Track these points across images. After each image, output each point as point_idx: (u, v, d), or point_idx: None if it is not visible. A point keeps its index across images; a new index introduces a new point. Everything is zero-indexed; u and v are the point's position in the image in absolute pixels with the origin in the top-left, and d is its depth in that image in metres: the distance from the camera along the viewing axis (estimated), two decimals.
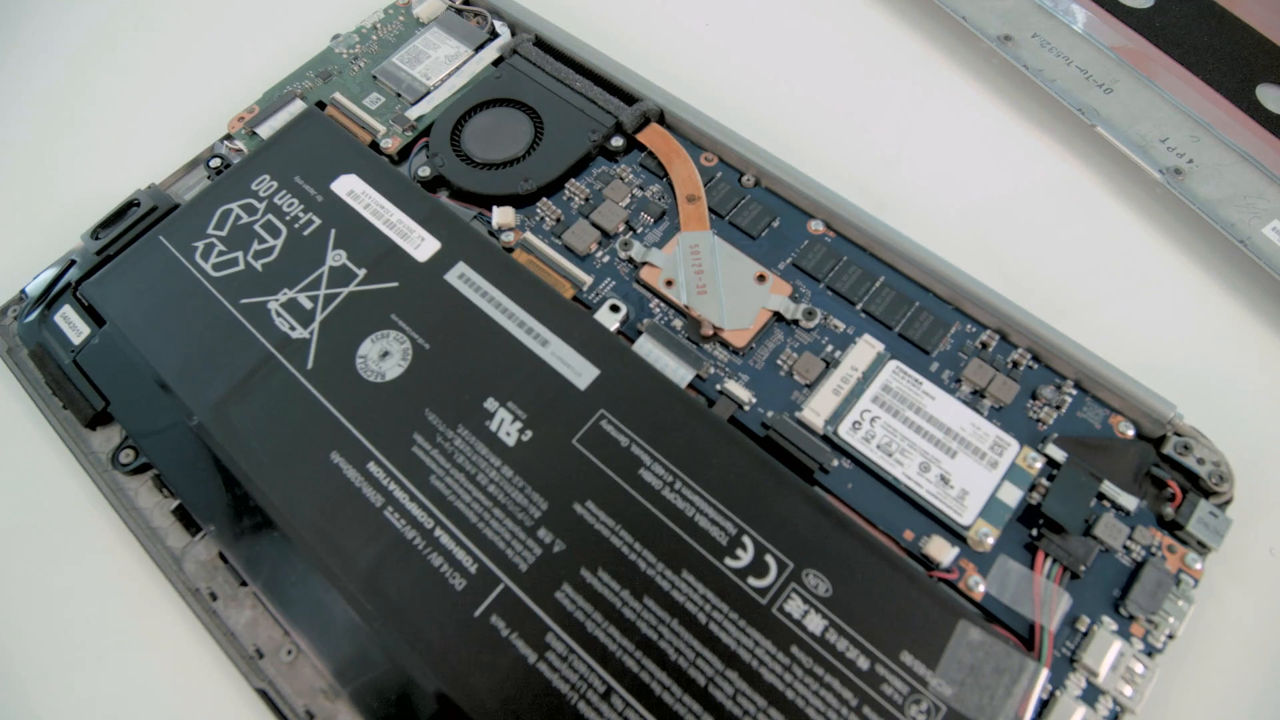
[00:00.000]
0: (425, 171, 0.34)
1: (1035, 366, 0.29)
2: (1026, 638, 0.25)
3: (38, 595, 0.30)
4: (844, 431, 0.28)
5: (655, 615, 0.24)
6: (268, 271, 0.31)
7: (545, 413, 0.27)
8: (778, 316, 0.30)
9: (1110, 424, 0.28)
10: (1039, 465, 0.27)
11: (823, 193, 0.33)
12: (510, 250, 0.32)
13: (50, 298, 0.33)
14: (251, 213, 0.32)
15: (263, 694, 0.26)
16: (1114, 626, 0.25)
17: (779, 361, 0.30)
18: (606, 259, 0.32)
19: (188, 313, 0.30)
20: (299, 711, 0.26)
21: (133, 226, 0.34)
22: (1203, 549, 0.26)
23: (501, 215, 0.33)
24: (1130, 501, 0.26)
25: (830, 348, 0.30)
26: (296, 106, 0.37)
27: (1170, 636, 0.25)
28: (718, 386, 0.29)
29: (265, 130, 0.36)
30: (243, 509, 0.28)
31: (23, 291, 0.34)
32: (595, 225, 0.33)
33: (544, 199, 0.33)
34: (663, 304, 0.31)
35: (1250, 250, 0.33)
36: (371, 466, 0.26)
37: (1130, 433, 0.28)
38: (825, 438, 0.28)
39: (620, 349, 0.28)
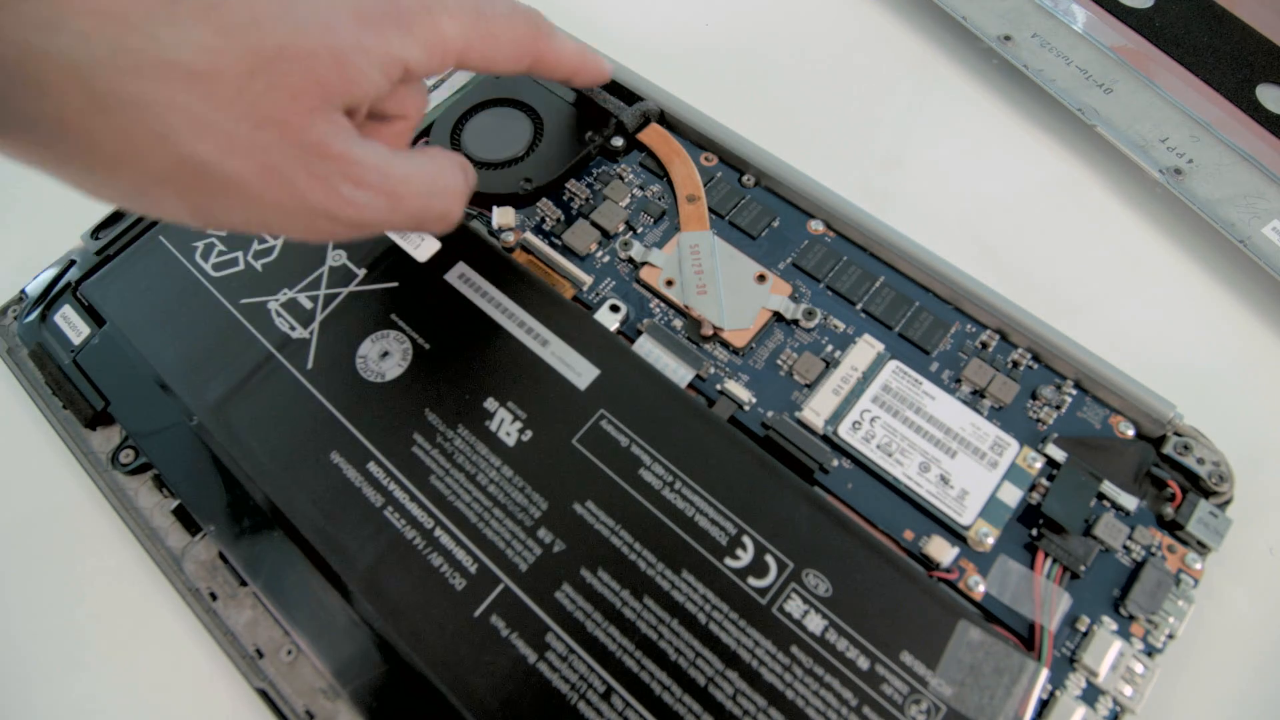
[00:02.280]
0: None
1: (1035, 366, 0.29)
2: (1026, 638, 0.25)
3: (38, 595, 0.30)
4: (844, 431, 0.28)
5: (655, 615, 0.24)
6: (267, 271, 0.31)
7: (545, 413, 0.27)
8: (778, 316, 0.30)
9: (1110, 424, 0.28)
10: (1039, 465, 0.27)
11: (823, 193, 0.33)
12: (510, 250, 0.32)
13: (50, 298, 0.33)
14: None
15: (263, 694, 0.26)
16: (1114, 626, 0.25)
17: (779, 361, 0.30)
18: (606, 259, 0.32)
19: (188, 312, 0.30)
20: (299, 711, 0.26)
21: (133, 226, 0.34)
22: (1203, 549, 0.26)
23: (501, 215, 0.33)
24: (1130, 501, 0.26)
25: (830, 348, 0.30)
26: None
27: (1170, 636, 0.25)
28: (718, 386, 0.29)
29: None
30: (243, 509, 0.28)
31: (23, 291, 0.34)
32: (595, 225, 0.33)
33: (544, 199, 0.33)
34: (663, 304, 0.31)
35: (1250, 250, 0.33)
36: (371, 466, 0.26)
37: (1130, 433, 0.28)
38: (825, 438, 0.28)
39: (620, 349, 0.28)
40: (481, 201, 0.33)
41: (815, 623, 0.23)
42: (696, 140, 0.35)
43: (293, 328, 0.29)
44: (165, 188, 0.18)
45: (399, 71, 0.20)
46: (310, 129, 0.18)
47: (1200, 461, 0.27)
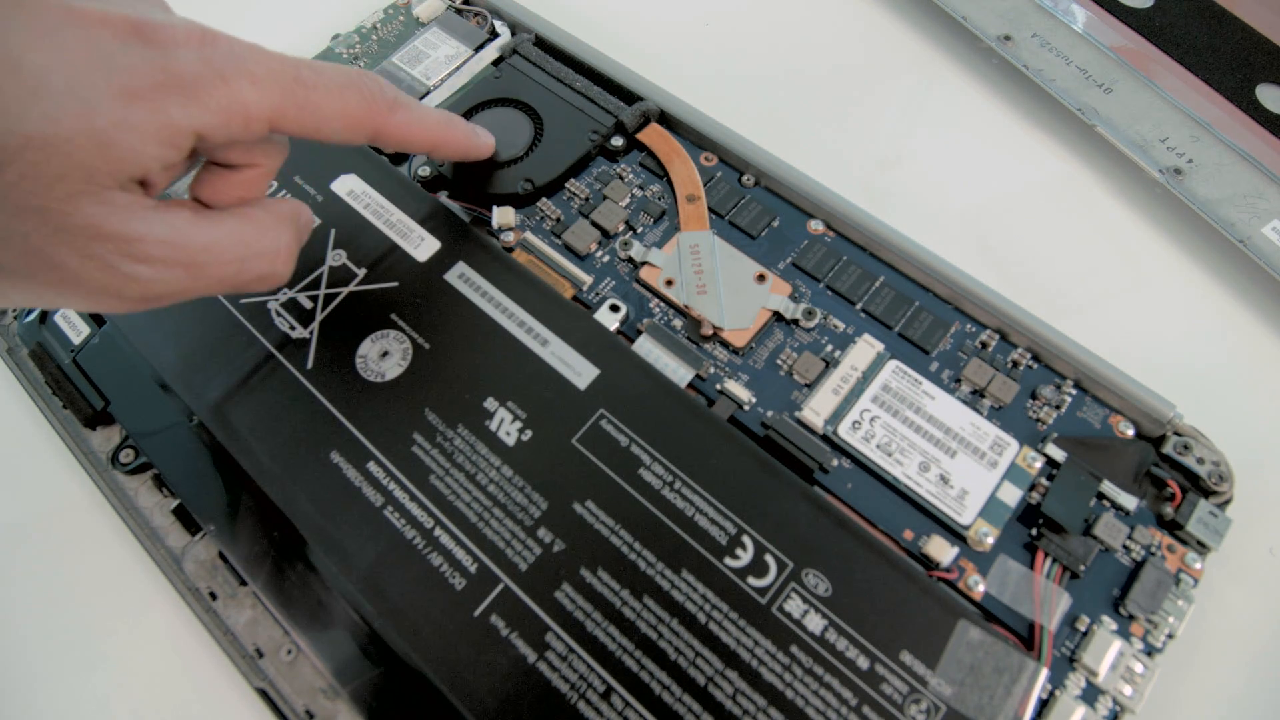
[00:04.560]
0: (425, 171, 0.34)
1: (1035, 366, 0.29)
2: (1026, 637, 0.25)
3: (38, 595, 0.30)
4: (844, 431, 0.28)
5: (655, 615, 0.24)
6: None
7: (545, 413, 0.27)
8: (777, 316, 0.30)
9: (1110, 424, 0.28)
10: (1039, 465, 0.27)
11: (823, 192, 0.33)
12: (510, 250, 0.32)
13: None
14: None
15: (263, 694, 0.26)
16: (1114, 626, 0.25)
17: (779, 361, 0.30)
18: (606, 259, 0.32)
19: (187, 312, 0.30)
20: (299, 711, 0.26)
21: None
22: (1202, 549, 0.26)
23: (501, 215, 0.33)
24: (1130, 501, 0.26)
25: (830, 347, 0.30)
26: None
27: (1170, 636, 0.25)
28: (717, 386, 0.29)
29: None
30: (243, 509, 0.28)
31: None
32: (595, 225, 0.33)
33: (544, 199, 0.33)
34: (663, 304, 0.31)
35: (1250, 250, 0.33)
36: (371, 466, 0.26)
37: (1130, 432, 0.28)
38: (825, 437, 0.28)
39: (620, 349, 0.28)
40: (481, 201, 0.33)
41: (815, 622, 0.23)
42: (696, 140, 0.35)
43: (293, 327, 0.29)
44: None
45: (187, 140, 0.19)
46: (75, 213, 0.18)
47: (1200, 461, 0.27)
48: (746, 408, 0.29)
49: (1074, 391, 0.29)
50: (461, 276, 0.30)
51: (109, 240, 0.18)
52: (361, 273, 0.30)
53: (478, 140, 0.30)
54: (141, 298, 0.20)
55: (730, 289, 0.31)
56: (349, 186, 0.32)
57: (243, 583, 0.27)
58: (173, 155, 0.19)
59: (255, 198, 0.23)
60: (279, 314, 0.30)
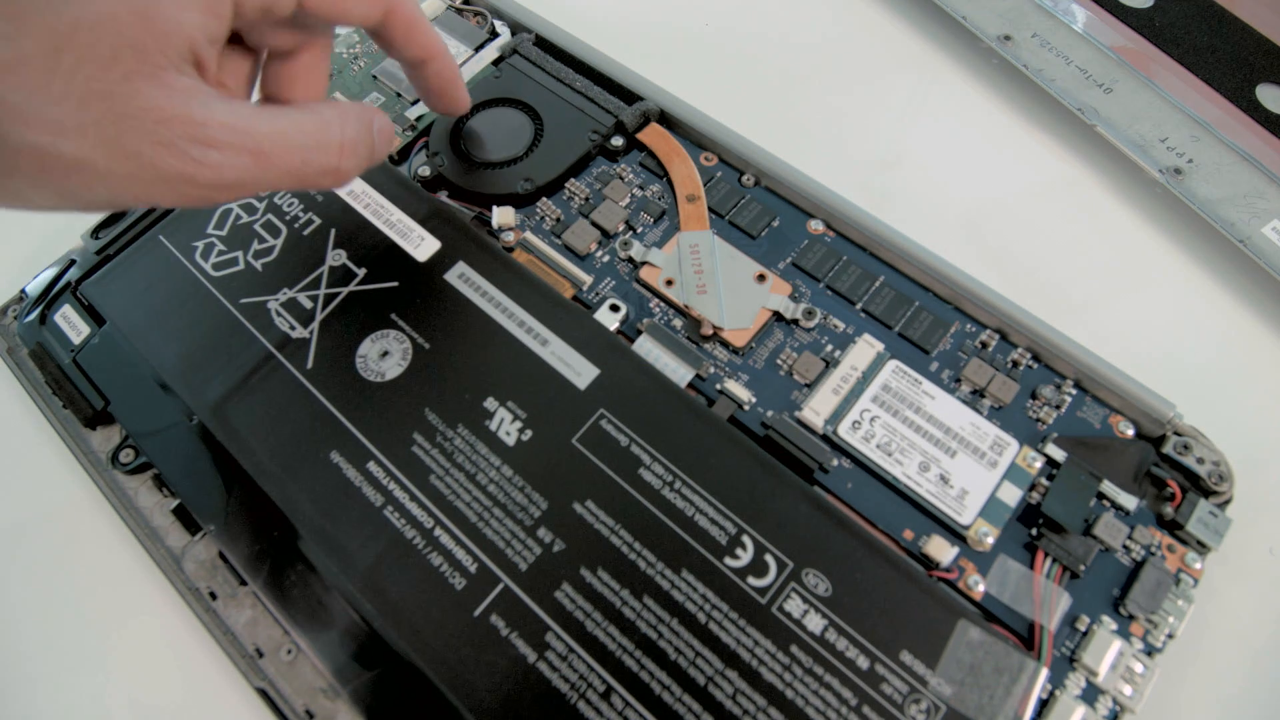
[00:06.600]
0: (425, 171, 0.34)
1: (1035, 366, 0.29)
2: (1026, 637, 0.25)
3: (38, 595, 0.30)
4: (844, 431, 0.28)
5: (655, 615, 0.24)
6: (268, 271, 0.31)
7: (545, 412, 0.27)
8: (777, 316, 0.30)
9: (1110, 424, 0.28)
10: (1039, 465, 0.27)
11: (823, 192, 0.33)
12: (510, 250, 0.32)
13: (50, 297, 0.33)
14: (251, 212, 0.32)
15: (262, 693, 0.26)
16: (1114, 626, 0.25)
17: (779, 361, 0.30)
18: (606, 259, 0.32)
19: (188, 312, 0.30)
20: (299, 711, 0.26)
21: (133, 226, 0.34)
22: (1202, 548, 0.26)
23: (501, 215, 0.33)
24: (1130, 501, 0.26)
25: (830, 347, 0.30)
26: None
27: (1170, 636, 0.25)
28: (717, 386, 0.29)
29: None
30: (243, 509, 0.28)
31: (23, 291, 0.34)
32: (595, 225, 0.33)
33: (544, 199, 0.33)
34: (663, 304, 0.31)
35: (1250, 250, 0.33)
36: (371, 466, 0.26)
37: (1130, 432, 0.28)
38: (825, 437, 0.28)
39: (620, 349, 0.28)
40: (481, 201, 0.33)
41: (815, 622, 0.23)
42: (696, 140, 0.35)
43: (293, 327, 0.29)
44: (16, 179, 0.18)
45: (226, 7, 0.19)
46: (136, 96, 0.17)
47: (1200, 461, 0.27)
48: (746, 408, 0.29)
49: (1074, 391, 0.29)
50: (461, 276, 0.30)
51: (174, 124, 0.18)
52: (361, 273, 0.30)
53: (461, 83, 0.29)
54: (214, 184, 0.19)
55: (730, 289, 0.31)
56: (349, 186, 0.32)
57: (243, 583, 0.27)
58: (215, 26, 0.19)
59: (319, 95, 0.23)
60: (279, 314, 0.30)
